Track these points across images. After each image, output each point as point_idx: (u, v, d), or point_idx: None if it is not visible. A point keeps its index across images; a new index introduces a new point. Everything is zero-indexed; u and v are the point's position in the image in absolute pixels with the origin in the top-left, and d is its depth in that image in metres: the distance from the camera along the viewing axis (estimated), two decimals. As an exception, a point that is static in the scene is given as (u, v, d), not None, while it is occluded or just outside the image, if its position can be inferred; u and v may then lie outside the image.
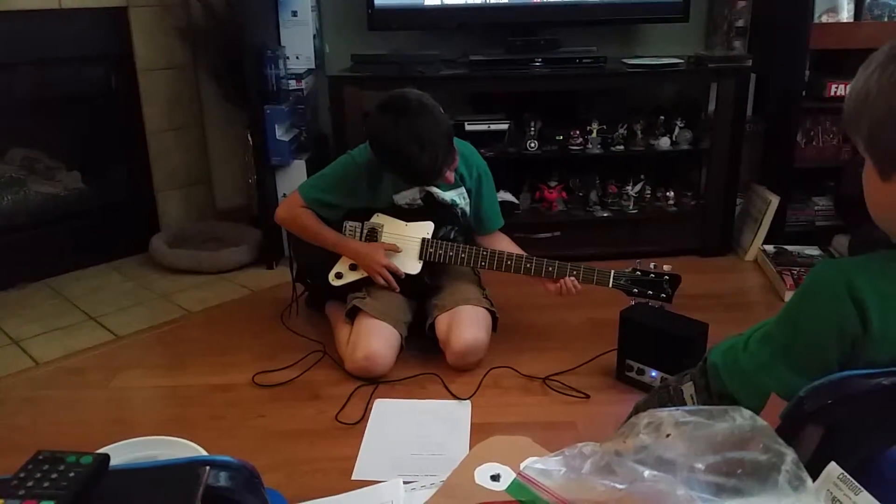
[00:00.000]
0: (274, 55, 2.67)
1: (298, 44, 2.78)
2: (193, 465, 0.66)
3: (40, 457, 0.64)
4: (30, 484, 0.61)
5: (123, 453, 1.11)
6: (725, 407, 0.63)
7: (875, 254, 0.87)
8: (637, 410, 1.27)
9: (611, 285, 1.97)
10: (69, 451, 0.64)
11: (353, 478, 1.55)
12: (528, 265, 2.00)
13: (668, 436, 0.58)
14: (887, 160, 0.82)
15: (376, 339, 1.94)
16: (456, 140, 2.02)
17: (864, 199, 0.88)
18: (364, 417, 1.78)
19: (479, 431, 1.71)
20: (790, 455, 0.57)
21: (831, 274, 0.86)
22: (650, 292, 1.94)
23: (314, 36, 2.81)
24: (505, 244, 2.16)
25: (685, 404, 1.02)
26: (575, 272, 1.97)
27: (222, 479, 0.68)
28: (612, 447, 0.64)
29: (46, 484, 0.61)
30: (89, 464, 0.63)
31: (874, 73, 0.81)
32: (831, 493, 0.62)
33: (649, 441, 0.59)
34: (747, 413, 0.62)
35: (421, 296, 2.11)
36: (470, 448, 1.63)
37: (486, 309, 2.04)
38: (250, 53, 2.58)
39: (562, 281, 1.98)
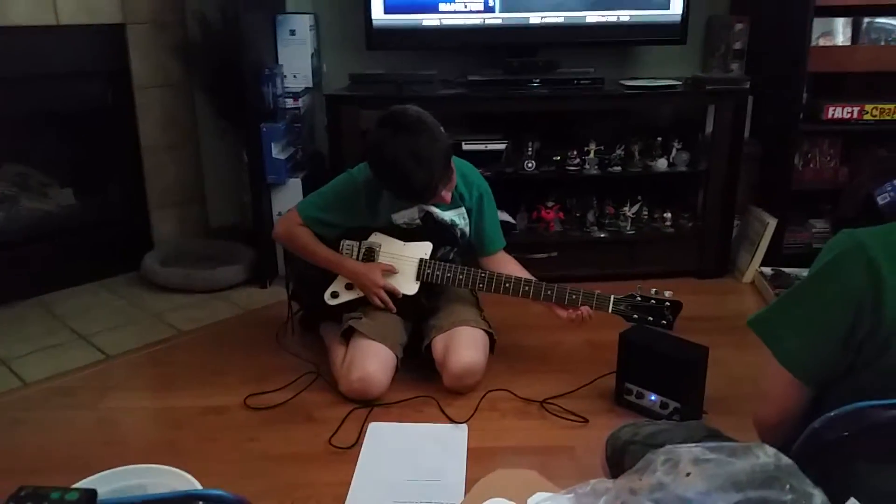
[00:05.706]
0: (271, 73, 2.66)
1: (296, 62, 2.77)
2: (186, 500, 0.63)
3: (22, 493, 0.60)
4: (12, 521, 0.57)
5: (112, 482, 1.08)
6: (748, 444, 0.60)
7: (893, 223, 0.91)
8: None
9: (610, 310, 1.94)
10: (53, 487, 0.61)
11: (347, 504, 1.51)
12: (527, 288, 1.97)
13: (687, 474, 0.56)
14: None
15: (372, 360, 1.91)
16: (457, 160, 2.00)
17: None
18: (358, 441, 1.74)
19: (476, 456, 1.68)
20: (819, 496, 0.54)
21: (846, 239, 0.92)
22: (650, 318, 1.91)
23: (312, 55, 2.80)
24: (511, 266, 2.12)
25: None
26: (574, 296, 1.95)
27: (216, 514, 0.65)
28: (625, 484, 0.61)
29: (30, 521, 0.57)
30: (75, 501, 0.60)
31: None
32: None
33: (667, 479, 0.56)
34: (770, 451, 0.59)
35: (418, 317, 2.08)
36: (466, 474, 1.60)
37: (484, 330, 2.01)
38: (248, 71, 2.56)
39: (579, 310, 1.95)
